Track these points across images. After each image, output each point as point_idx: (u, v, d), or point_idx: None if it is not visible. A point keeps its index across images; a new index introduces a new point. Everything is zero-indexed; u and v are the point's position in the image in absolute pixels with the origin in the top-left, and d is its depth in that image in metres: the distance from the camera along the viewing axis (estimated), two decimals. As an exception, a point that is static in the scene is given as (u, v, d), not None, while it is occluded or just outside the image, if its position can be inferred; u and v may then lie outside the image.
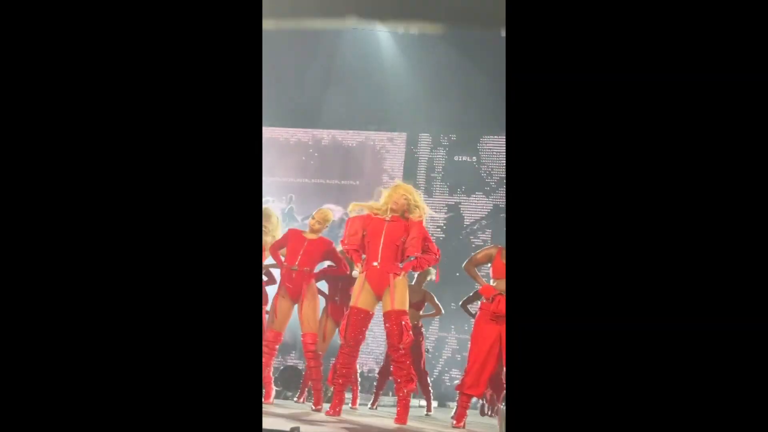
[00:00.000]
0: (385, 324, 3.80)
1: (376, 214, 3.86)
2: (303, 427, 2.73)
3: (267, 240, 4.55)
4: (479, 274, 4.22)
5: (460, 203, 8.57)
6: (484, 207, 8.49)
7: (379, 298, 3.81)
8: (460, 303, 4.88)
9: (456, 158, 8.64)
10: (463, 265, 4.25)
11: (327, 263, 4.67)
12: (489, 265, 4.18)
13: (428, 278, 5.29)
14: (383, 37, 8.58)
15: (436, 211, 8.30)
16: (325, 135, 9.02)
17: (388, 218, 3.81)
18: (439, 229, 8.40)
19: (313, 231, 4.44)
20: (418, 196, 3.94)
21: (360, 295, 3.80)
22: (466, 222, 8.53)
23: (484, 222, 8.47)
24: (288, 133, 9.08)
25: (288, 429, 2.60)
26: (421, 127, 8.70)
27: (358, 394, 5.06)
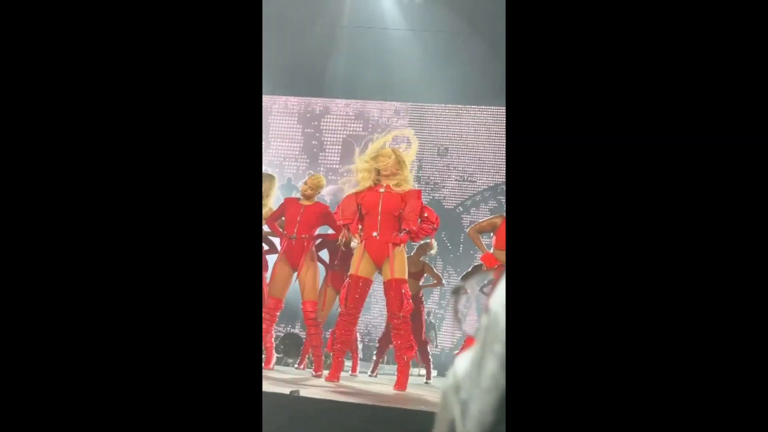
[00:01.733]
0: (385, 292, 3.83)
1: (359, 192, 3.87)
2: (303, 391, 2.76)
3: (264, 210, 4.57)
4: (483, 243, 4.24)
5: (467, 176, 8.53)
6: (492, 179, 8.45)
7: (378, 267, 3.83)
8: (460, 279, 4.90)
9: (463, 131, 8.57)
10: (467, 230, 4.27)
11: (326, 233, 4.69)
12: (492, 234, 4.19)
13: (430, 252, 5.29)
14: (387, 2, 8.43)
15: (437, 187, 8.29)
16: (328, 104, 8.95)
17: (377, 185, 3.83)
18: (439, 203, 8.39)
19: (306, 197, 4.45)
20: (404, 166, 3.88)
21: (360, 264, 3.82)
22: (469, 194, 8.51)
23: (487, 194, 8.45)
24: (290, 101, 9.00)
25: (288, 392, 2.63)
26: (428, 97, 8.60)
27: (358, 362, 5.11)
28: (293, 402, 2.60)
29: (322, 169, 8.49)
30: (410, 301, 3.80)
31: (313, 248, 4.51)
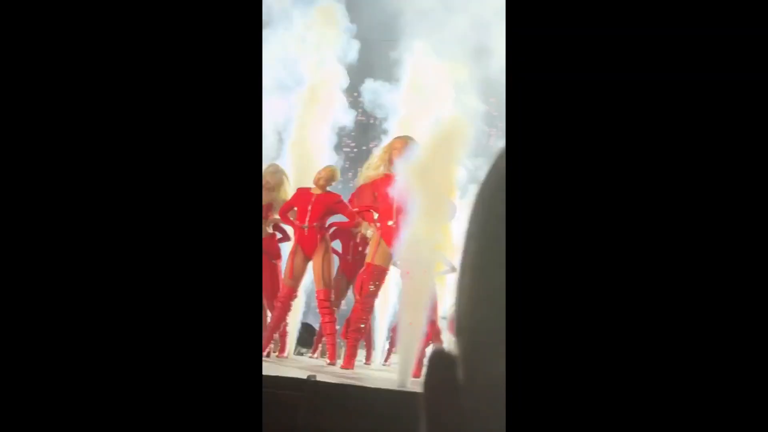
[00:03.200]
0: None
1: (372, 180, 3.89)
2: (318, 377, 2.77)
3: (280, 200, 4.59)
4: None
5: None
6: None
7: (394, 255, 3.83)
8: None
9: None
10: None
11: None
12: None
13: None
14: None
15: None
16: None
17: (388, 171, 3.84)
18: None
19: (319, 186, 4.44)
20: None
21: (376, 253, 3.82)
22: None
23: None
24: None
25: (305, 377, 2.63)
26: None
27: (372, 350, 5.11)
28: (310, 386, 2.60)
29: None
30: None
31: (327, 237, 4.51)
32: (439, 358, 0.33)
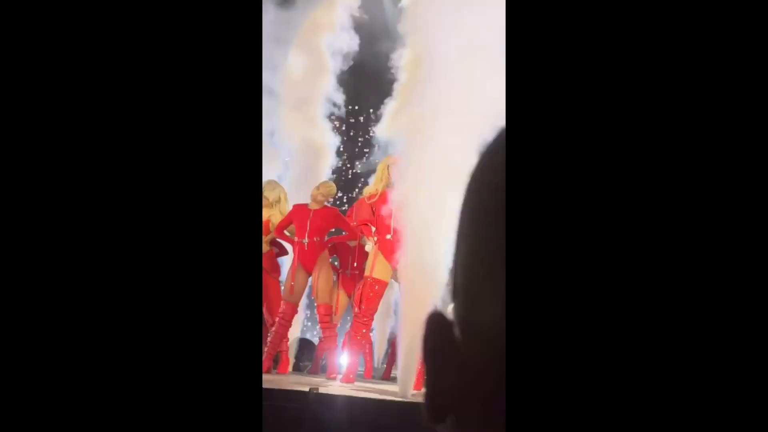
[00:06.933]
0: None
1: (372, 196, 3.92)
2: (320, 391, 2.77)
3: (275, 215, 4.61)
4: None
5: None
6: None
7: (393, 269, 3.84)
8: None
9: None
10: None
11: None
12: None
13: None
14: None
15: None
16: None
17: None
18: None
19: (316, 202, 4.46)
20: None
21: (375, 267, 3.84)
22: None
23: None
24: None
25: (308, 389, 2.64)
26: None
27: (372, 365, 5.11)
28: (313, 399, 2.61)
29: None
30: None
31: (326, 252, 4.52)
32: (437, 320, 0.35)
